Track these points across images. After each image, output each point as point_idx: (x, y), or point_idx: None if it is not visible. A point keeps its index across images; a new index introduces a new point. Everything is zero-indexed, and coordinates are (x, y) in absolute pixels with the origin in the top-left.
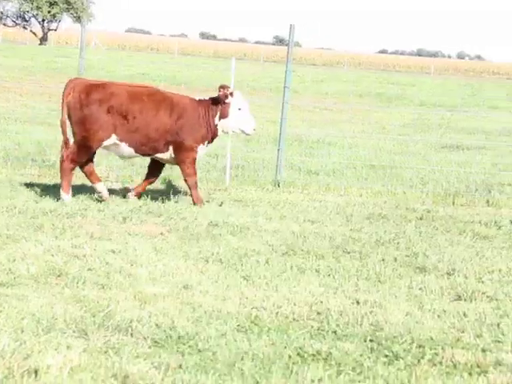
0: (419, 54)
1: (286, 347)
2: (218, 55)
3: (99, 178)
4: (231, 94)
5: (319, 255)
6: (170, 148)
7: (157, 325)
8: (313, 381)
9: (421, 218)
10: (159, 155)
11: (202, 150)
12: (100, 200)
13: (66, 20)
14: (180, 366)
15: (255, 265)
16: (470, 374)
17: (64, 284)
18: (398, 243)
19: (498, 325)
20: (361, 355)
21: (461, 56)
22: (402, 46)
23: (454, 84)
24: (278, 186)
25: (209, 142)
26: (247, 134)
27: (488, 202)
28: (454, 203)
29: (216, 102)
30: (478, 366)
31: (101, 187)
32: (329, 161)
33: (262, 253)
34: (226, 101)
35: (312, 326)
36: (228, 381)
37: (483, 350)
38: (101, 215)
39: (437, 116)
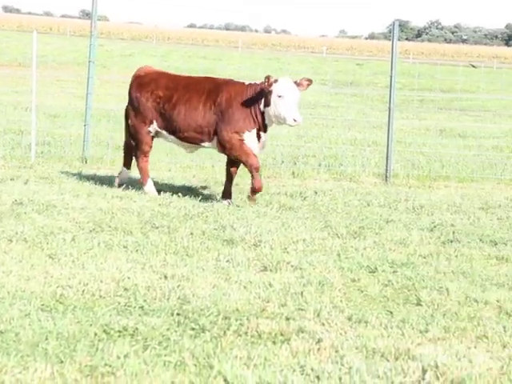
0: (227, 28)
1: (91, 325)
2: (22, 29)
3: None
4: (275, 80)
5: (127, 231)
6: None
7: None
8: (118, 357)
9: None
10: (205, 144)
11: (250, 138)
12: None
13: None
14: None
15: (61, 243)
16: (274, 342)
17: None
18: (206, 217)
19: (302, 293)
20: (167, 329)
21: (267, 30)
22: (210, 21)
23: (261, 58)
24: (86, 162)
25: (259, 131)
26: (289, 125)
27: (293, 173)
28: (261, 176)
29: (263, 89)
30: (282, 335)
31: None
32: None
33: (68, 230)
34: (270, 88)
35: (119, 303)
36: (31, 361)
37: (287, 319)
38: None
39: None
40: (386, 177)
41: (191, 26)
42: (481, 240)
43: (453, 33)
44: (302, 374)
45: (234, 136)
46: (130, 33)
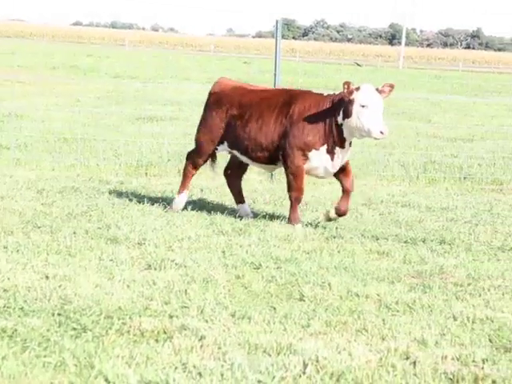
0: (114, 26)
1: None
2: None
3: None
4: (357, 88)
5: (8, 231)
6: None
7: None
8: None
9: (114, 190)
10: (280, 164)
11: (317, 157)
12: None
13: None
14: None
15: None
16: (157, 340)
17: None
18: (90, 216)
19: (186, 291)
20: (48, 330)
21: (155, 28)
22: (96, 18)
23: (148, 56)
24: None
25: (333, 147)
26: (374, 138)
27: (179, 171)
28: (146, 174)
29: (342, 99)
30: (165, 332)
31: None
32: (20, 135)
33: None
34: (351, 97)
35: None
36: None
37: (170, 317)
38: None
39: (132, 88)
40: (272, 174)
41: (77, 23)
42: (363, 235)
43: (338, 32)
44: (184, 372)
45: (298, 155)
46: (14, 30)
